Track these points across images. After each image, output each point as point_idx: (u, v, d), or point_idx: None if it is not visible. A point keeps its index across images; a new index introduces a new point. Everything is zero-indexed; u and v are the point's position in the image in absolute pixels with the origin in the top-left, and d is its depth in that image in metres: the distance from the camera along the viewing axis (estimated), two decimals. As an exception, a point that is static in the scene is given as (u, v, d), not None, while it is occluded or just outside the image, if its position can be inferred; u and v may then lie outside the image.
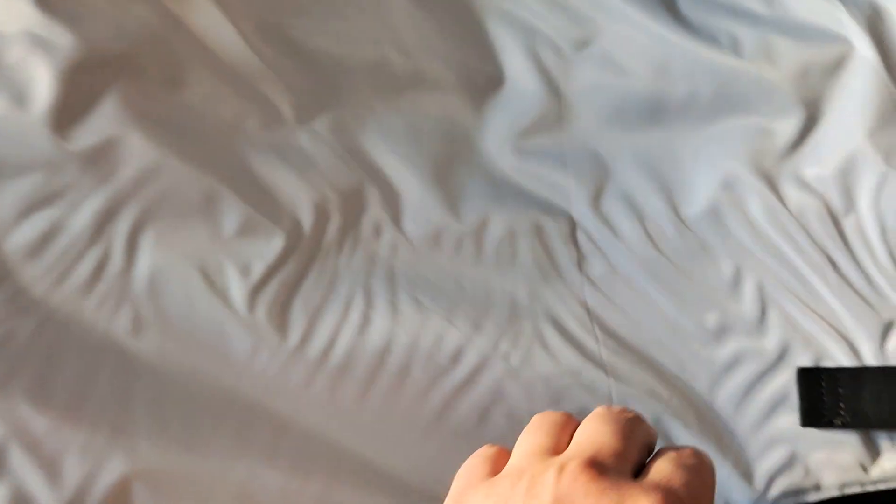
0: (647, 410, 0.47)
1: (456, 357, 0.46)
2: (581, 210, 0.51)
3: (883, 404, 0.46)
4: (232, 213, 0.46)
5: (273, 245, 0.46)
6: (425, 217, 0.50)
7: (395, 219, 0.50)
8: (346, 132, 0.50)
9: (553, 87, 0.54)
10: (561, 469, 0.28)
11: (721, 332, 0.49)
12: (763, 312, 0.49)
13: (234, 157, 0.48)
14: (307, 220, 0.48)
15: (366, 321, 0.46)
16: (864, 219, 0.51)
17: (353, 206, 0.49)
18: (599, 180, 0.52)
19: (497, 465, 0.32)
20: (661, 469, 0.30)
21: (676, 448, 0.31)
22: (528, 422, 0.36)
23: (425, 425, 0.45)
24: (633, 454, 0.31)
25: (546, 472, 0.29)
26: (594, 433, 0.31)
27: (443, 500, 0.40)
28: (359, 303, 0.46)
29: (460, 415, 0.45)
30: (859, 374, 0.46)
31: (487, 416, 0.45)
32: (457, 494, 0.32)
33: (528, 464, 0.30)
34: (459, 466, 0.40)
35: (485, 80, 0.53)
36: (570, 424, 0.33)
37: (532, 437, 0.33)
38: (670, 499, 0.27)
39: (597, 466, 0.28)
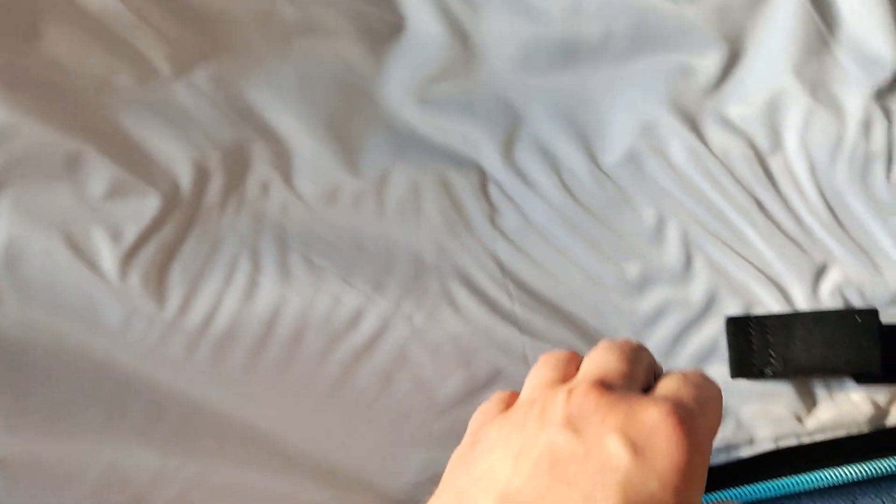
0: (566, 368, 0.44)
1: (354, 320, 0.43)
2: (492, 161, 0.48)
3: (815, 350, 0.43)
4: (99, 175, 0.43)
5: (147, 207, 0.43)
6: (319, 173, 0.47)
7: (286, 176, 0.47)
8: (229, 85, 0.47)
9: (459, 32, 0.51)
10: (570, 392, 0.29)
11: (643, 283, 0.47)
12: (688, 260, 0.47)
13: (102, 116, 0.44)
14: (185, 179, 0.45)
15: (253, 285, 0.43)
16: (792, 157, 0.49)
17: (238, 164, 0.46)
18: (511, 129, 0.49)
19: (509, 404, 0.32)
20: (668, 385, 0.30)
21: (683, 370, 0.32)
22: (436, 385, 0.39)
23: (323, 394, 0.42)
24: (639, 375, 0.31)
25: (556, 396, 0.29)
26: (600, 360, 0.31)
27: (344, 471, 0.40)
28: (245, 266, 0.43)
29: (361, 381, 0.42)
30: (790, 321, 0.44)
31: (391, 381, 0.43)
32: (472, 433, 0.33)
33: (539, 393, 0.31)
34: (363, 435, 0.41)
35: (383, 27, 0.50)
36: (575, 359, 0.33)
37: (540, 372, 0.33)
38: (679, 407, 0.28)
39: (605, 385, 0.29)
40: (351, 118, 0.48)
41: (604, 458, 0.27)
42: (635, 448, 0.27)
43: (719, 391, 0.31)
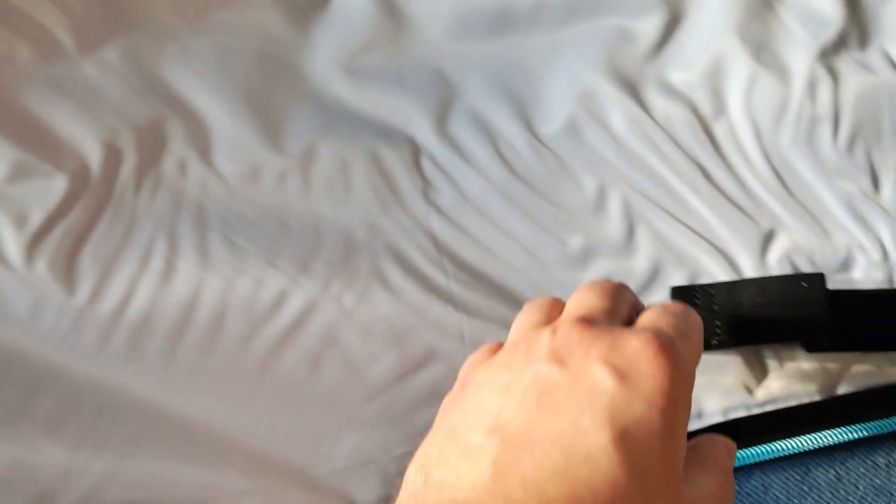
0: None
1: (279, 302, 0.41)
2: (424, 134, 0.47)
3: (762, 318, 0.42)
4: (1, 158, 0.40)
5: (53, 190, 0.41)
6: (240, 151, 0.45)
7: (204, 155, 0.45)
8: (141, 60, 0.45)
9: (387, 1, 0.49)
10: (554, 329, 0.30)
11: (586, 255, 0.45)
12: (631, 231, 0.46)
13: (2, 95, 0.42)
14: (95, 160, 0.43)
15: (170, 269, 0.41)
16: (736, 122, 0.48)
17: (152, 143, 0.44)
18: (444, 100, 0.47)
19: (496, 352, 0.33)
20: (649, 316, 0.31)
21: (663, 304, 0.33)
22: (366, 367, 0.40)
23: (247, 379, 0.40)
24: (621, 311, 0.32)
25: (541, 335, 0.30)
26: (582, 299, 0.32)
27: (271, 458, 0.39)
28: (161, 249, 0.41)
29: (288, 365, 0.41)
30: (735, 288, 0.42)
31: (320, 363, 0.41)
32: (461, 379, 0.34)
33: (524, 335, 0.32)
34: (290, 420, 0.39)
35: (306, -3, 0.48)
36: (558, 304, 0.34)
37: (524, 317, 0.34)
38: (660, 335, 0.29)
39: (588, 321, 0.30)
40: (273, 92, 0.46)
41: (590, 385, 0.27)
42: (620, 375, 0.27)
43: (699, 319, 0.32)
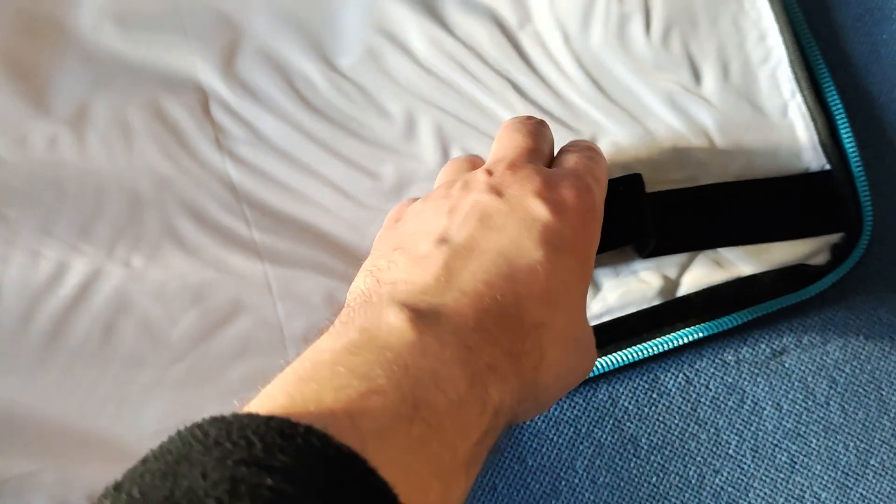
0: (319, 288, 0.41)
1: (58, 273, 0.39)
2: (211, 78, 0.44)
3: None
4: None
5: None
6: (3, 119, 0.42)
7: None
8: None
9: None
10: (488, 171, 0.35)
11: (400, 186, 0.45)
12: (445, 155, 0.45)
13: None
14: None
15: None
16: (542, 29, 0.47)
17: None
18: (230, 41, 0.45)
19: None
20: (570, 159, 0.37)
21: (574, 143, 0.40)
22: (167, 328, 0.40)
23: (33, 356, 0.39)
24: (545, 151, 0.38)
25: (476, 174, 0.35)
26: (510, 140, 0.38)
27: (72, 433, 0.38)
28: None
29: (78, 336, 0.39)
30: None
31: (113, 330, 0.40)
32: (389, 219, 0.39)
33: (457, 175, 0.37)
34: (91, 391, 0.39)
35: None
36: (477, 158, 0.41)
37: (448, 169, 0.40)
38: (582, 181, 0.35)
39: (519, 162, 0.35)
40: (35, 53, 0.43)
41: (526, 212, 0.33)
42: (553, 208, 0.33)
43: (605, 161, 0.39)
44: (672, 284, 0.44)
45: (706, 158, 0.46)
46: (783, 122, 0.46)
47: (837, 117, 0.46)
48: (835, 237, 0.46)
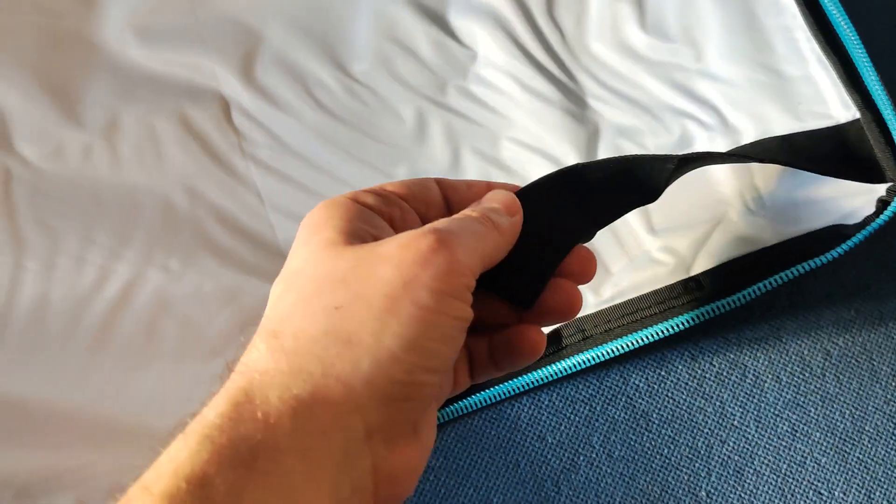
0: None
1: (102, 276, 0.43)
2: (232, 87, 0.48)
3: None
4: None
5: None
6: (39, 132, 0.46)
7: (4, 142, 0.46)
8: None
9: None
10: None
11: None
12: (455, 155, 0.49)
13: None
14: None
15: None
16: (543, 29, 0.50)
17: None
18: (248, 50, 0.49)
19: None
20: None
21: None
22: (205, 326, 0.42)
23: (82, 354, 0.42)
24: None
25: None
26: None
27: (123, 426, 0.41)
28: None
29: (124, 335, 0.43)
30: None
31: (157, 328, 0.43)
32: None
33: None
34: (138, 385, 0.42)
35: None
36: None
37: None
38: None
39: None
40: (66, 68, 0.46)
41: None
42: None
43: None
44: (685, 263, 0.46)
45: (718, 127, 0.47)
46: (801, 77, 0.46)
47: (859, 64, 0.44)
48: (880, 189, 0.43)
